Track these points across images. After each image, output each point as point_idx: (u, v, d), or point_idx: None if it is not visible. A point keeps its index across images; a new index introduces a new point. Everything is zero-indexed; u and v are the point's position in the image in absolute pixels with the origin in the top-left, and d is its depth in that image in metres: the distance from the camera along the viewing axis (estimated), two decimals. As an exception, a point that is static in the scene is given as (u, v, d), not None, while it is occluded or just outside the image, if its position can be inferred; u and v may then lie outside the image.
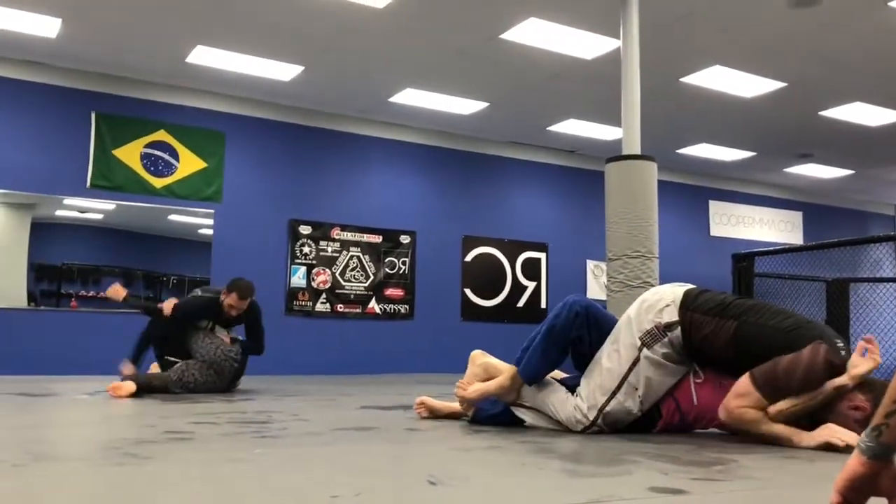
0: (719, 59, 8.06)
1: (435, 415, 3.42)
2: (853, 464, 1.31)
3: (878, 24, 7.13)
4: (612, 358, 2.89)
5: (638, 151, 6.38)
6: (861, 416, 2.48)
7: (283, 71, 8.50)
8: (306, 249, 9.89)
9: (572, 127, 10.42)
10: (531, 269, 11.36)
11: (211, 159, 9.29)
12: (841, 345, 2.62)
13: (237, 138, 9.49)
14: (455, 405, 3.33)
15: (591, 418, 2.88)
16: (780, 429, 2.56)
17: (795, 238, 13.75)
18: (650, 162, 6.36)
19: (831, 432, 2.46)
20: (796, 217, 13.89)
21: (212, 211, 9.30)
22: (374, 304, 10.24)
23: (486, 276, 11.00)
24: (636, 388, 2.82)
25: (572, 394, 2.96)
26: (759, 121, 10.02)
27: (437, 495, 1.63)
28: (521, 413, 3.07)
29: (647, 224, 6.25)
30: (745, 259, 11.13)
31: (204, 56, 8.08)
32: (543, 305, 11.36)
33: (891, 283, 12.28)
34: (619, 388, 2.85)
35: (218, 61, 8.21)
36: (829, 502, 1.34)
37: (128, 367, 5.14)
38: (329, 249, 10.04)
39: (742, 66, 8.20)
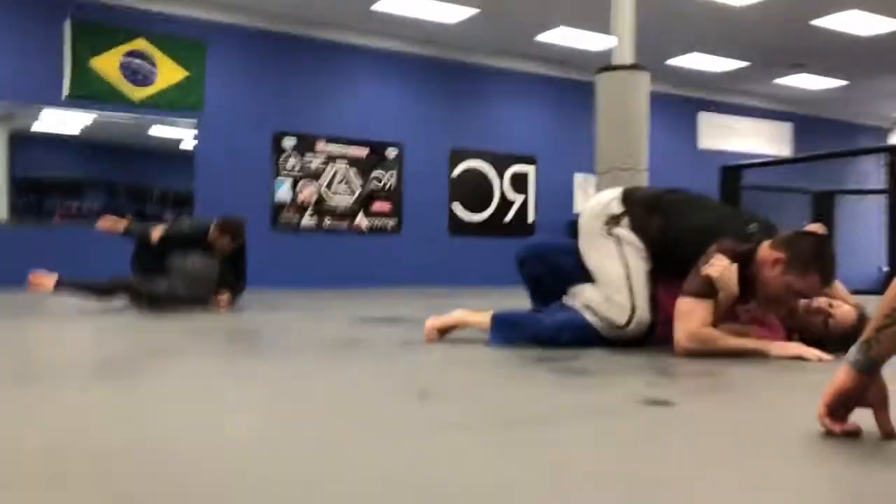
0: (714, -35, 7.82)
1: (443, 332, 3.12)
2: (841, 376, 1.30)
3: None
4: (598, 252, 2.87)
5: (630, 61, 6.25)
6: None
7: (264, -24, 8.18)
8: (291, 163, 9.76)
9: (562, 36, 10.17)
10: (519, 183, 11.29)
11: (192, 69, 9.02)
12: (751, 229, 2.67)
13: (219, 47, 9.20)
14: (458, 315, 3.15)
15: (631, 307, 2.74)
16: (747, 341, 2.57)
17: (785, 150, 13.69)
18: (642, 72, 6.23)
19: (800, 349, 2.48)
20: (786, 128, 13.79)
21: (193, 122, 9.10)
22: (360, 218, 10.18)
23: (474, 191, 10.93)
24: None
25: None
26: (752, 30, 9.80)
27: (424, 408, 1.63)
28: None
29: (638, 137, 6.17)
30: (734, 171, 11.14)
31: (180, -40, 7.76)
32: (531, 220, 11.34)
33: (876, 196, 12.33)
34: (626, 269, 2.79)
35: (195, -34, 7.89)
36: (816, 413, 1.34)
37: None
38: (314, 163, 9.91)
39: (738, -29, 7.96)
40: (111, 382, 1.99)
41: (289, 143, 9.73)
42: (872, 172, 13.46)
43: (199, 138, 9.12)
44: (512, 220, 11.21)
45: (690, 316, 2.55)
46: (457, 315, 3.01)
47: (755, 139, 13.48)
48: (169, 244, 5.28)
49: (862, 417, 1.31)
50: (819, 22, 9.45)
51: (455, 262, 10.64)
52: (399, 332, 3.45)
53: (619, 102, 6.18)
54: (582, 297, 2.82)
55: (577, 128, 11.64)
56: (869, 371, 1.27)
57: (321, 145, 9.94)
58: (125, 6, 8.66)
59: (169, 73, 8.90)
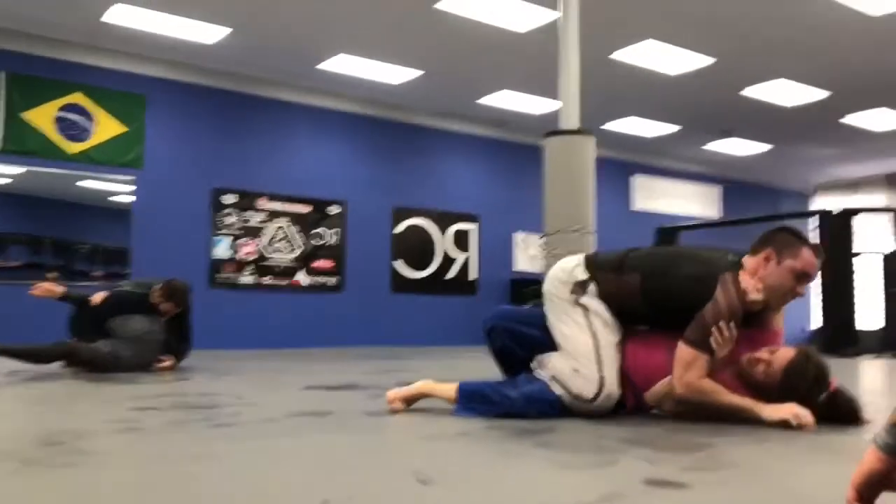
0: (652, 34, 8.12)
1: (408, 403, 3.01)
2: (870, 459, 1.30)
3: (804, 3, 7.30)
4: (565, 324, 2.79)
5: (576, 126, 6.39)
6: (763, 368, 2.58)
7: (209, 33, 8.14)
8: (231, 220, 9.59)
9: (503, 99, 10.38)
10: (461, 240, 11.34)
11: (131, 123, 8.86)
12: (732, 258, 2.70)
13: (159, 102, 9.07)
14: (422, 385, 3.06)
15: (599, 380, 2.67)
16: (742, 400, 2.55)
17: (714, 212, 14.15)
18: (589, 137, 6.37)
19: (794, 410, 2.47)
20: (715, 191, 14.28)
21: (128, 177, 8.88)
22: (301, 276, 10.03)
23: (417, 248, 10.92)
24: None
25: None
26: (685, 97, 10.19)
27: (434, 496, 1.56)
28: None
29: (585, 199, 6.26)
30: (670, 232, 11.44)
31: (122, 15, 7.65)
32: (473, 277, 11.37)
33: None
34: (594, 340, 2.73)
35: (137, 21, 7.79)
36: (845, 499, 1.33)
37: None
38: (255, 220, 9.76)
39: (674, 40, 8.28)
40: (56, 470, 1.85)
41: (229, 199, 9.57)
42: (796, 234, 13.98)
43: (137, 193, 8.89)
44: (454, 278, 11.22)
45: (691, 366, 2.53)
46: (421, 385, 2.93)
47: (685, 201, 13.90)
48: (110, 307, 5.12)
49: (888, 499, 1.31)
50: (748, 91, 9.89)
51: (398, 320, 10.55)
52: (360, 400, 3.36)
53: (565, 166, 6.28)
54: (549, 367, 2.76)
55: (516, 187, 11.83)
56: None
57: (263, 202, 9.81)
58: (64, 59, 8.47)
59: (106, 127, 8.72)
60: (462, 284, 11.26)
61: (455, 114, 11.13)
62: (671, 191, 13.78)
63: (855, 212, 9.30)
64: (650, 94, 10.09)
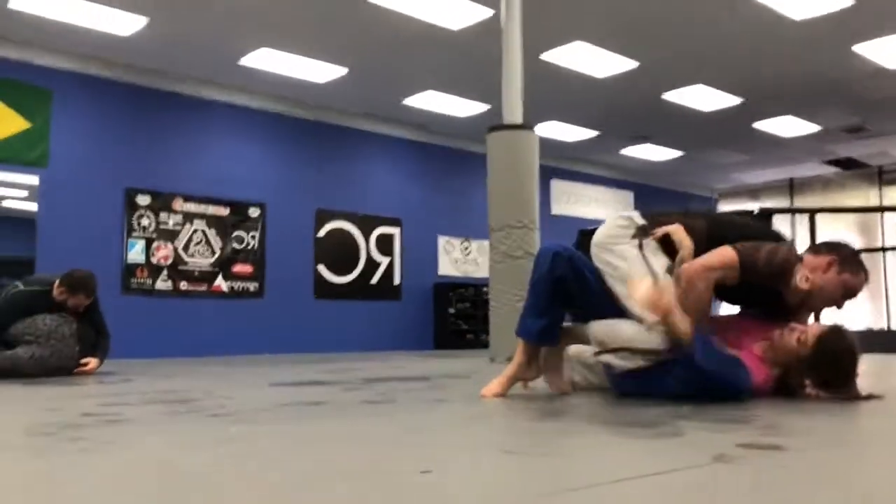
0: (581, 35, 8.18)
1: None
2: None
3: (727, 11, 7.50)
4: (620, 261, 2.69)
5: (519, 121, 6.32)
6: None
7: (124, 23, 7.66)
8: (145, 222, 9.07)
9: (428, 101, 10.25)
10: (385, 244, 11.12)
11: (35, 119, 8.25)
12: (784, 238, 2.93)
13: (68, 97, 8.49)
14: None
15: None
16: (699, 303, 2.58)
17: (627, 217, 14.43)
18: (531, 132, 6.33)
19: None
20: (628, 196, 14.59)
21: (24, 180, 8.27)
22: (220, 282, 9.59)
23: (340, 252, 10.63)
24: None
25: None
26: (608, 100, 10.33)
27: (518, 464, 1.39)
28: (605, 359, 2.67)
29: (529, 194, 6.21)
30: (591, 234, 11.55)
31: (30, 1, 7.11)
32: (397, 282, 11.16)
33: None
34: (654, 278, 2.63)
35: (47, 8, 7.26)
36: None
37: None
38: (171, 222, 9.27)
39: (601, 42, 8.37)
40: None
41: (143, 200, 9.06)
42: (705, 238, 14.44)
43: (42, 194, 8.29)
44: (379, 283, 10.98)
45: (723, 268, 2.58)
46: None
47: (600, 206, 14.13)
48: (6, 312, 4.64)
49: None
50: (668, 96, 10.12)
51: (321, 326, 10.22)
52: (341, 392, 3.13)
53: (510, 160, 6.21)
54: (613, 338, 2.62)
55: (440, 191, 11.73)
56: None
57: (179, 203, 9.32)
58: (-41, 47, 7.82)
59: (8, 122, 8.09)
60: (386, 289, 11.03)
61: (379, 115, 10.93)
62: (586, 195, 13.99)
63: (770, 212, 9.63)
64: (574, 97, 10.18)
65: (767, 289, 2.71)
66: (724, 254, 2.60)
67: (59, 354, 4.56)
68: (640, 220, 2.79)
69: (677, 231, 2.70)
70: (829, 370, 2.54)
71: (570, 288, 2.75)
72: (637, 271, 2.66)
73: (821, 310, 2.83)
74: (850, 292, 2.70)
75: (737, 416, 2.13)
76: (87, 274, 4.97)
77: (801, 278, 2.62)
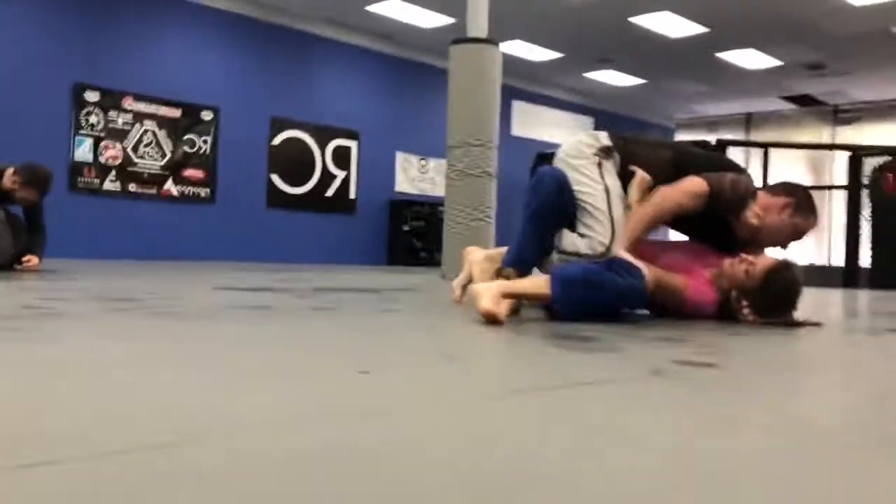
0: (552, -48, 7.98)
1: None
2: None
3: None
4: (581, 182, 2.72)
5: (484, 35, 6.19)
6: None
7: None
8: (93, 119, 8.78)
9: (392, 8, 9.96)
10: (341, 157, 10.97)
11: (-25, 3, 7.82)
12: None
13: (10, -19, 8.05)
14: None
15: (610, 223, 2.65)
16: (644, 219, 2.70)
17: (586, 142, 14.42)
18: (495, 47, 6.21)
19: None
20: (588, 122, 14.54)
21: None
22: (170, 186, 9.39)
23: (295, 162, 10.46)
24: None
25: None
26: (575, 21, 10.17)
27: (459, 370, 1.40)
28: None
29: (490, 111, 6.14)
30: (548, 157, 11.56)
31: None
32: (353, 196, 11.07)
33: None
34: (607, 198, 2.69)
35: None
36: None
37: None
38: (120, 121, 8.99)
39: (572, -39, 8.18)
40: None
41: (91, 96, 8.74)
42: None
43: (-17, 84, 7.93)
44: (334, 196, 10.88)
45: (692, 196, 2.66)
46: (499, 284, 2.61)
47: (560, 130, 14.07)
48: None
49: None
50: (635, 19, 10.00)
51: (273, 236, 10.14)
52: (290, 299, 3.12)
53: (472, 76, 6.11)
54: (564, 243, 2.69)
55: (401, 105, 11.54)
56: None
57: (129, 102, 9.03)
58: None
59: (-54, 4, 7.66)
60: (341, 203, 10.95)
61: (340, 22, 10.61)
62: (547, 119, 13.91)
63: (727, 144, 9.71)
64: (541, 16, 9.99)
65: (719, 219, 2.77)
66: (696, 182, 2.68)
67: None
68: (607, 142, 2.82)
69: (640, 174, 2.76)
70: (773, 302, 2.61)
71: (553, 209, 2.73)
72: (595, 188, 2.70)
73: (767, 247, 2.89)
74: (799, 235, 2.80)
75: (674, 335, 2.18)
76: (48, 172, 4.83)
77: (752, 214, 2.69)
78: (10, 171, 4.67)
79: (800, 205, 2.75)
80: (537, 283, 2.50)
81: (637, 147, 2.85)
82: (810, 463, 0.86)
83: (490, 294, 2.30)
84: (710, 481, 0.76)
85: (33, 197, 4.73)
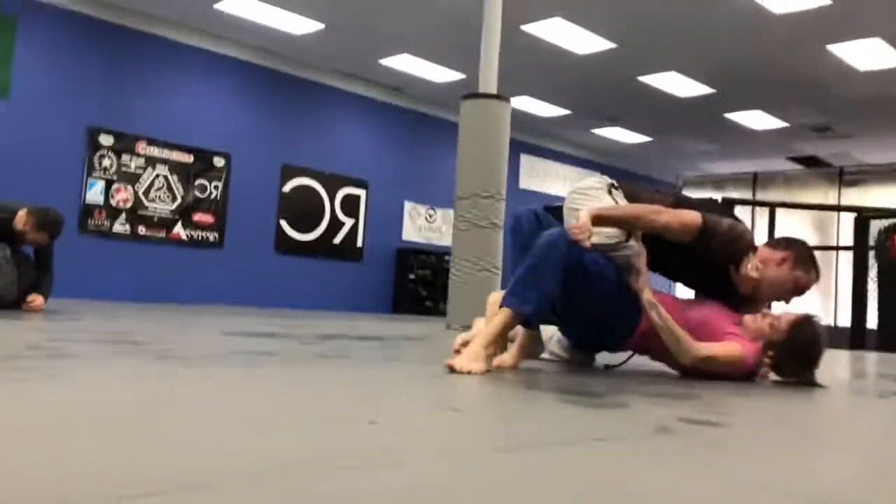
0: (561, 12, 8.14)
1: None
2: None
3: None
4: (590, 199, 2.74)
5: (494, 90, 6.30)
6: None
7: (98, -45, 7.44)
8: (107, 162, 8.89)
9: (404, 63, 10.15)
10: (350, 205, 11.05)
11: (-2, 47, 8.00)
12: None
13: (33, 26, 8.24)
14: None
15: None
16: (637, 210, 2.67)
17: (593, 197, 14.51)
18: (505, 102, 6.31)
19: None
20: (595, 177, 14.65)
21: (-5, 108, 8.05)
22: (179, 229, 9.46)
23: (304, 209, 10.55)
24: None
25: None
26: (583, 79, 10.34)
27: (467, 421, 1.40)
28: None
29: (499, 165, 6.21)
30: (555, 210, 11.62)
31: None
32: (360, 244, 11.12)
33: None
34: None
35: (18, -69, 7.01)
36: None
37: None
38: (133, 165, 9.10)
39: (582, 21, 8.35)
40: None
41: (106, 140, 8.86)
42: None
43: (1, 126, 8.06)
44: (341, 243, 10.93)
45: (685, 227, 2.64)
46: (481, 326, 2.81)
47: (567, 184, 14.18)
48: None
49: None
50: (643, 79, 10.16)
51: (280, 281, 10.16)
52: (295, 346, 3.12)
53: (481, 129, 6.19)
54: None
55: (408, 156, 11.68)
56: None
57: (142, 146, 9.15)
58: (-78, -36, 7.53)
59: (-32, 47, 7.84)
60: (349, 250, 11.00)
61: (353, 73, 10.80)
62: (554, 172, 14.04)
63: (733, 203, 9.77)
64: (550, 72, 10.16)
65: (716, 269, 2.76)
66: (691, 214, 2.67)
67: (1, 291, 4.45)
68: (612, 181, 2.89)
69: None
70: (798, 356, 2.60)
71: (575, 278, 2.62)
72: (603, 199, 2.74)
73: (768, 302, 2.89)
74: (800, 289, 2.78)
75: (679, 393, 2.18)
76: (60, 216, 4.87)
77: (752, 267, 2.68)
78: (23, 212, 4.72)
79: (800, 258, 2.75)
80: (495, 313, 2.57)
81: (641, 191, 2.89)
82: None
83: (467, 354, 2.38)
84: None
85: (44, 240, 4.78)
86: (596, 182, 2.86)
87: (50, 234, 4.79)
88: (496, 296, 3.02)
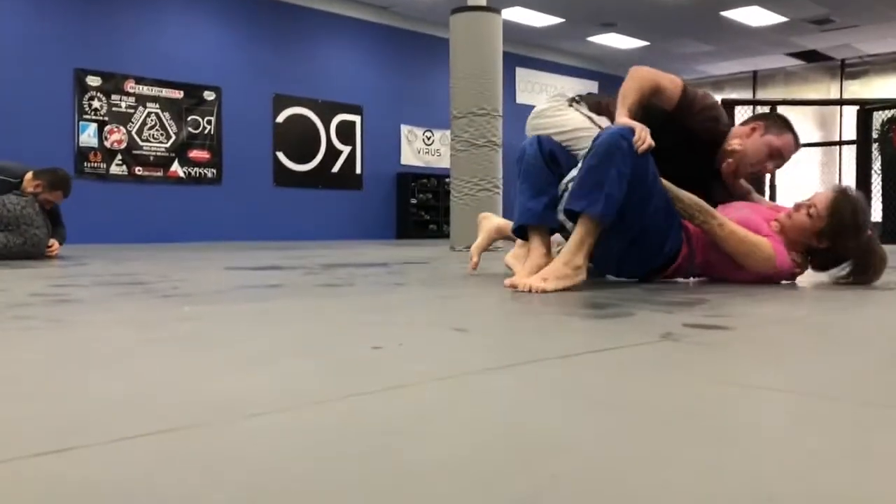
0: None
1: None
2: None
3: None
4: (556, 121, 2.75)
5: (484, 2, 6.13)
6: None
7: None
8: (96, 104, 8.77)
9: (390, -19, 9.86)
10: (346, 132, 10.93)
11: (-28, -8, 7.79)
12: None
13: (6, -32, 8.01)
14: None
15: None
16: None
17: (591, 107, 14.32)
18: (496, 14, 6.15)
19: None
20: (593, 87, 14.43)
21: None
22: (177, 167, 9.40)
23: (299, 139, 10.44)
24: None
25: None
26: (575, -15, 10.05)
27: (470, 341, 1.40)
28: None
29: (493, 80, 6.10)
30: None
31: None
32: (359, 171, 11.05)
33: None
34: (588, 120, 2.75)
35: None
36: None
37: None
38: (123, 104, 8.98)
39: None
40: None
41: (93, 81, 8.72)
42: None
43: (-16, 72, 7.93)
44: (339, 171, 10.86)
45: (668, 87, 2.69)
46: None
47: (565, 96, 13.99)
48: None
49: None
50: (636, -19, 9.87)
51: (281, 215, 10.15)
52: (299, 276, 3.12)
53: (474, 45, 6.05)
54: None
55: (403, 77, 11.47)
56: None
57: (130, 85, 9.01)
58: None
59: (-58, -6, 7.63)
60: (348, 178, 10.93)
61: (339, -5, 10.52)
62: (552, 84, 13.81)
63: (733, 103, 9.62)
64: (540, -20, 9.88)
65: (700, 153, 2.78)
66: (672, 77, 2.74)
67: (33, 240, 4.50)
68: (571, 95, 2.92)
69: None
70: (851, 230, 2.52)
71: (559, 159, 2.69)
72: (571, 115, 2.76)
73: (749, 174, 2.87)
74: (776, 152, 2.75)
75: (687, 300, 2.17)
76: (68, 175, 4.98)
77: (737, 143, 2.75)
78: (29, 175, 4.80)
79: (769, 124, 2.77)
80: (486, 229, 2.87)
81: (604, 98, 2.91)
82: (811, 422, 0.85)
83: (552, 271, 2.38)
84: (707, 440, 0.75)
85: (59, 199, 4.90)
86: (554, 101, 2.86)
87: (64, 191, 4.92)
88: (489, 216, 3.13)
